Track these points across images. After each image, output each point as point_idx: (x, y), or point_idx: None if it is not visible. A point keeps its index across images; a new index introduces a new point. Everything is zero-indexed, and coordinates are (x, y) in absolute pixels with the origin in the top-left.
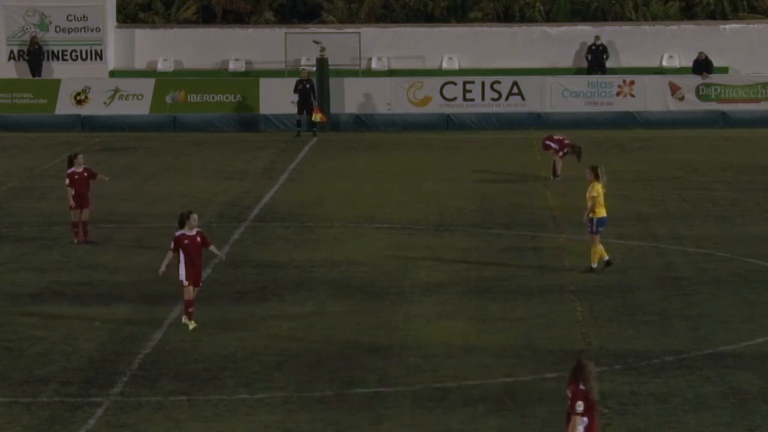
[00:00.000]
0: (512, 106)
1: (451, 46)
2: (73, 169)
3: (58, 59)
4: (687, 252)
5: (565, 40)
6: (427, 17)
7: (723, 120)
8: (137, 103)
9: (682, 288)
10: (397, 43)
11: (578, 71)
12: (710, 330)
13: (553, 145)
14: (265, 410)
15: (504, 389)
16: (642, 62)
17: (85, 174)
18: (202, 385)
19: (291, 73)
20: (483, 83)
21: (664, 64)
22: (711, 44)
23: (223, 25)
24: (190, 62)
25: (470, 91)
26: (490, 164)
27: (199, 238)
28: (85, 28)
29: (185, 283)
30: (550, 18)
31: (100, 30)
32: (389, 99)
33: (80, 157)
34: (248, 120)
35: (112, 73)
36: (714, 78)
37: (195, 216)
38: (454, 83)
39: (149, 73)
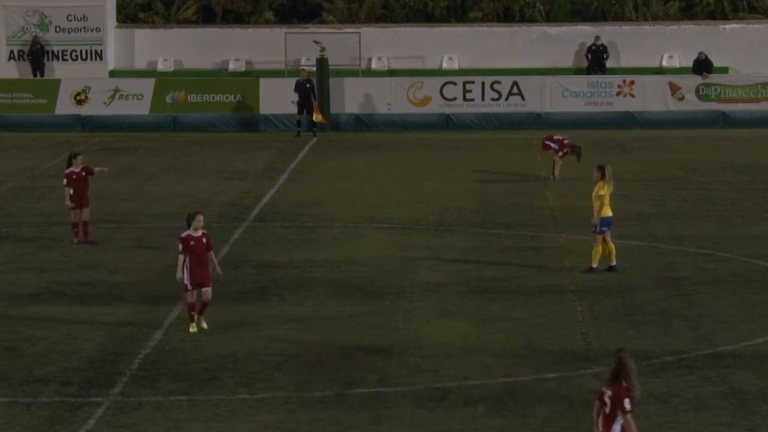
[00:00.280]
0: (512, 106)
1: (451, 46)
2: (71, 168)
3: (58, 59)
4: (687, 252)
5: (565, 40)
6: (427, 17)
7: (723, 120)
8: (137, 103)
9: (682, 288)
10: (397, 43)
11: (578, 71)
12: (710, 330)
13: (552, 145)
14: (265, 410)
15: (504, 389)
16: (642, 62)
17: (83, 173)
18: (202, 385)
19: (291, 73)
20: (483, 83)
21: (664, 64)
22: (711, 44)
23: (223, 25)
24: (190, 62)
25: (470, 91)
26: (490, 164)
27: (204, 240)
28: (85, 28)
29: (188, 287)
30: (550, 18)
31: (100, 30)
32: (389, 99)
33: (80, 157)
34: (248, 120)
35: (112, 73)
36: (714, 78)
37: (201, 217)
38: (454, 83)
39: (149, 73)
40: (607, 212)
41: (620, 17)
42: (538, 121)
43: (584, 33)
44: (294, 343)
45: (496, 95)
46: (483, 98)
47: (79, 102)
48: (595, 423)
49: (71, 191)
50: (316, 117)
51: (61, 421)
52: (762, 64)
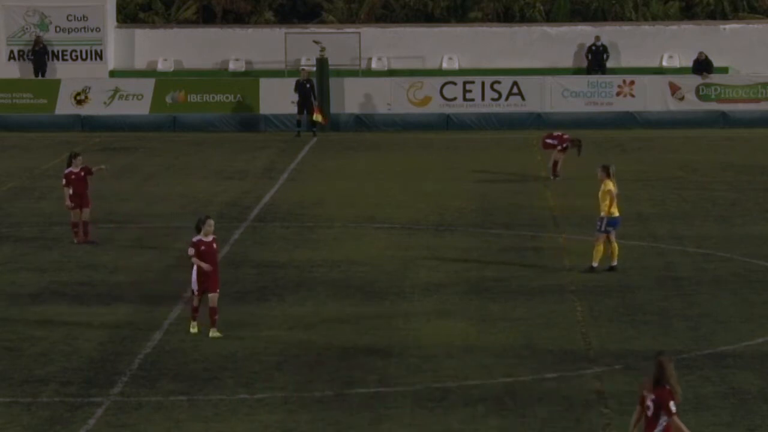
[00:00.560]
0: (512, 106)
1: (451, 46)
2: (70, 168)
3: (58, 59)
4: (687, 252)
5: (565, 40)
6: (427, 17)
7: (723, 120)
8: (137, 103)
9: (682, 288)
10: (397, 43)
11: (578, 71)
12: (710, 330)
13: (552, 141)
14: (265, 410)
15: (504, 389)
16: (642, 62)
17: (83, 173)
18: (202, 385)
19: (291, 73)
20: (483, 83)
21: (664, 64)
22: (711, 44)
23: (223, 25)
24: (190, 62)
25: (470, 91)
26: (490, 164)
27: (215, 245)
28: (85, 28)
29: (195, 292)
30: (550, 18)
31: (100, 30)
32: (389, 99)
33: (79, 158)
34: (248, 120)
35: (112, 73)
36: (714, 78)
37: (211, 221)
38: (454, 83)
39: (149, 73)
40: (614, 212)
41: (620, 17)
42: (538, 121)
43: (584, 33)
44: (294, 343)
45: (496, 95)
46: (483, 98)
47: (79, 102)
48: (631, 427)
49: (71, 191)
50: (316, 117)
51: (61, 421)
52: (762, 64)
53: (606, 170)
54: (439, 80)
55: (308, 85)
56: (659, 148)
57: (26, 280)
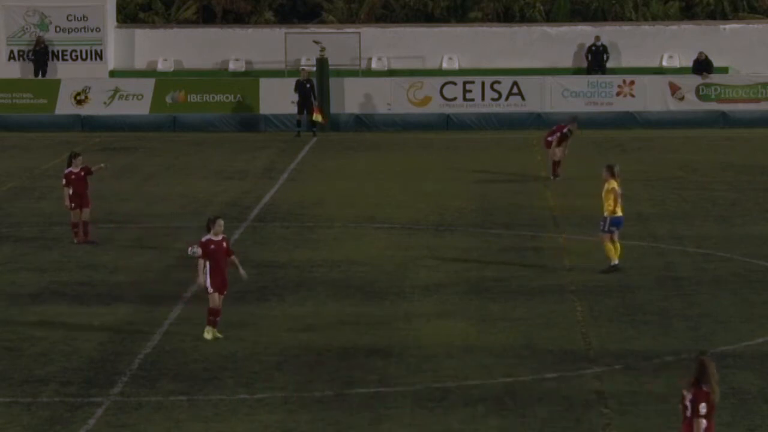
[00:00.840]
0: (512, 106)
1: (451, 46)
2: (70, 169)
3: (58, 59)
4: (687, 252)
5: (565, 40)
6: (427, 17)
7: (723, 120)
8: (137, 103)
9: (682, 288)
10: (397, 43)
11: (578, 71)
12: (710, 330)
13: (551, 138)
14: (265, 410)
15: (504, 389)
16: (642, 62)
17: (82, 173)
18: (202, 385)
19: (291, 73)
20: (483, 83)
21: (664, 64)
22: (711, 44)
23: (223, 25)
24: (190, 62)
25: (470, 91)
26: (490, 164)
27: (225, 244)
28: (85, 28)
29: (210, 290)
30: (550, 18)
31: (100, 30)
32: (389, 99)
33: (80, 158)
34: (248, 120)
35: (112, 73)
36: (714, 78)
37: (221, 221)
38: (454, 83)
39: (149, 73)
40: (618, 212)
41: (620, 17)
42: (538, 121)
43: (584, 33)
44: (294, 343)
45: (496, 95)
46: (483, 98)
47: (79, 102)
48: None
49: (70, 191)
50: (316, 117)
51: (61, 421)
52: (762, 64)
53: (611, 170)
54: (439, 80)
55: (308, 85)
56: (659, 148)
57: (26, 280)
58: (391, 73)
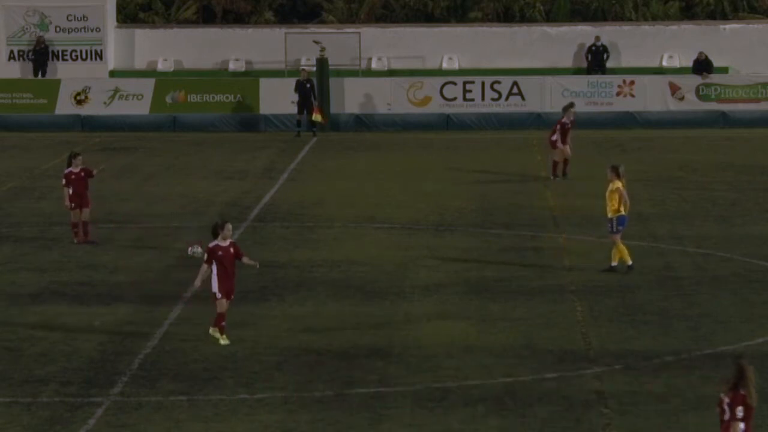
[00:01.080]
0: (512, 106)
1: (451, 46)
2: (70, 169)
3: (58, 59)
4: (687, 252)
5: (565, 40)
6: (427, 17)
7: (723, 120)
8: (137, 103)
9: (682, 288)
10: (397, 43)
11: (578, 71)
12: (710, 330)
13: (555, 137)
14: (265, 410)
15: (504, 389)
16: (642, 62)
17: (83, 174)
18: (202, 385)
19: (291, 73)
20: (483, 83)
21: (664, 64)
22: (711, 44)
23: (223, 25)
24: (190, 62)
25: (470, 91)
26: (490, 164)
27: (232, 249)
28: (85, 28)
29: (218, 296)
30: (550, 18)
31: (100, 30)
32: (389, 99)
33: (79, 158)
34: (248, 120)
35: (112, 73)
36: (714, 78)
37: (229, 226)
38: (454, 83)
39: (149, 73)
40: (622, 211)
41: (620, 17)
42: (538, 121)
43: (584, 33)
44: (294, 343)
45: (496, 95)
46: (483, 98)
47: (79, 102)
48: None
49: (70, 191)
50: (315, 117)
51: (61, 421)
52: (762, 64)
53: (615, 170)
54: (439, 80)
55: (308, 85)
56: (659, 148)
57: (26, 280)
58: (391, 73)
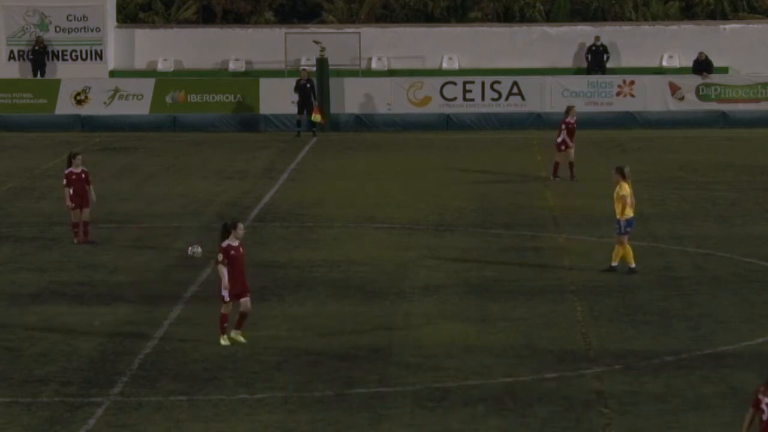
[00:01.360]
0: (512, 106)
1: (451, 46)
2: (70, 169)
3: (58, 59)
4: (687, 252)
5: (565, 40)
6: (427, 17)
7: (723, 120)
8: (137, 103)
9: (682, 288)
10: (397, 43)
11: (578, 71)
12: (710, 330)
13: (560, 138)
14: (265, 410)
15: (504, 389)
16: (642, 62)
17: (83, 175)
18: (202, 385)
19: (291, 73)
20: (483, 83)
21: (664, 64)
22: (711, 44)
23: (223, 25)
24: (190, 62)
25: (470, 91)
26: (490, 164)
27: (242, 250)
28: (85, 28)
29: (227, 299)
30: (550, 18)
31: (100, 30)
32: (389, 99)
33: (79, 157)
34: (248, 120)
35: (112, 73)
36: (714, 78)
37: (242, 225)
38: (454, 83)
39: (149, 73)
40: (629, 213)
41: (620, 17)
42: (538, 121)
43: (584, 33)
44: (294, 343)
45: (496, 95)
46: (483, 98)
47: (79, 102)
48: (744, 429)
49: (71, 191)
50: (315, 117)
51: (61, 421)
52: (762, 64)
53: (621, 172)
54: (439, 80)
55: (308, 85)
56: (659, 148)
57: (26, 280)
58: (391, 73)
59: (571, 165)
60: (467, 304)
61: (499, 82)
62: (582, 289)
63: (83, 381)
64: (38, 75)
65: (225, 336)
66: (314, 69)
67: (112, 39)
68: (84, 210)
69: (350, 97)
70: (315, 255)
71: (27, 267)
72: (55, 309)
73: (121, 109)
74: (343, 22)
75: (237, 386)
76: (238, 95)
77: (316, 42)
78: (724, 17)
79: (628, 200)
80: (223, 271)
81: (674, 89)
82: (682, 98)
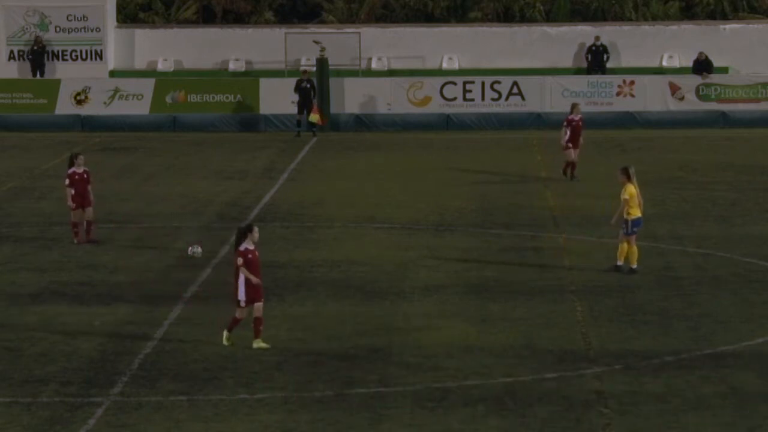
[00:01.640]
0: (512, 106)
1: (451, 46)
2: (73, 169)
3: (58, 59)
4: (687, 252)
5: (565, 40)
6: (427, 17)
7: (723, 120)
8: (137, 103)
9: (682, 288)
10: (397, 43)
11: (578, 71)
12: (710, 330)
13: (567, 136)
14: (265, 410)
15: (504, 389)
16: (642, 62)
17: (85, 176)
18: (202, 385)
19: (291, 73)
20: (483, 83)
21: (664, 64)
22: (711, 44)
23: (223, 25)
24: (190, 62)
25: (470, 91)
26: (490, 164)
27: (257, 253)
28: (85, 28)
29: (243, 303)
30: (550, 18)
31: (100, 30)
32: (389, 99)
33: (81, 157)
34: (248, 120)
35: (112, 73)
36: (714, 78)
37: (257, 228)
38: (454, 83)
39: (149, 73)
40: (636, 213)
41: (620, 17)
42: (538, 121)
43: (584, 33)
44: (294, 343)
45: (496, 95)
46: (483, 98)
47: (79, 102)
48: None
49: (72, 191)
50: (312, 117)
51: (61, 421)
52: (762, 64)
53: (626, 172)
54: (439, 80)
55: (308, 86)
56: (659, 148)
57: (26, 280)
58: (391, 73)
59: (573, 165)
60: (467, 304)
61: (499, 82)
62: (582, 289)
63: (83, 381)
64: (37, 75)
65: (229, 335)
66: (314, 69)
67: (112, 39)
68: (86, 210)
69: (350, 97)
70: (315, 255)
71: (27, 267)
72: (55, 309)
73: (121, 109)
74: (343, 22)
75: (237, 386)
76: (238, 95)
77: (316, 42)
78: (724, 17)
79: (632, 202)
80: (246, 274)
81: (674, 89)
82: (682, 98)
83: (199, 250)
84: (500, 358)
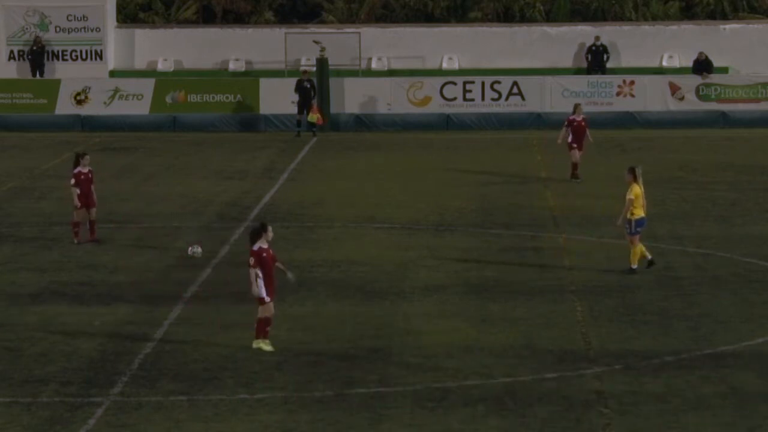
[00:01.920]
0: (512, 106)
1: (451, 46)
2: (78, 168)
3: (58, 59)
4: (687, 252)
5: (565, 40)
6: (427, 17)
7: (723, 120)
8: (137, 103)
9: (682, 288)
10: (397, 43)
11: (578, 71)
12: (710, 330)
13: (569, 136)
14: (265, 410)
15: (504, 389)
16: (642, 62)
17: (90, 175)
18: (202, 385)
19: (291, 73)
20: (483, 83)
21: (664, 64)
22: (711, 44)
23: (223, 25)
24: (190, 62)
25: (470, 91)
26: (490, 164)
27: (272, 251)
28: (85, 28)
29: (267, 299)
30: (550, 18)
31: (100, 30)
32: (389, 99)
33: (87, 157)
34: (248, 120)
35: (112, 73)
36: (714, 78)
37: (271, 228)
38: (454, 83)
39: (149, 73)
40: (640, 213)
41: (620, 17)
42: (538, 121)
43: (584, 33)
44: (294, 343)
45: (496, 95)
46: (483, 98)
47: (79, 102)
48: None
49: (78, 191)
50: (311, 117)
51: (61, 421)
52: (762, 64)
53: (633, 172)
54: (439, 80)
55: (308, 86)
56: (659, 148)
57: (26, 280)
58: (391, 73)
59: (575, 165)
60: (467, 304)
61: (499, 82)
62: (582, 289)
63: (83, 381)
64: (37, 75)
65: (267, 340)
66: (314, 69)
67: (112, 39)
68: (91, 209)
69: (350, 97)
70: (315, 255)
71: (27, 267)
72: (55, 309)
73: (121, 109)
74: (343, 22)
75: (237, 386)
76: (238, 95)
77: (316, 42)
78: (724, 17)
79: (637, 202)
80: (259, 274)
81: (674, 89)
82: (682, 98)
83: (199, 250)
84: (500, 358)
